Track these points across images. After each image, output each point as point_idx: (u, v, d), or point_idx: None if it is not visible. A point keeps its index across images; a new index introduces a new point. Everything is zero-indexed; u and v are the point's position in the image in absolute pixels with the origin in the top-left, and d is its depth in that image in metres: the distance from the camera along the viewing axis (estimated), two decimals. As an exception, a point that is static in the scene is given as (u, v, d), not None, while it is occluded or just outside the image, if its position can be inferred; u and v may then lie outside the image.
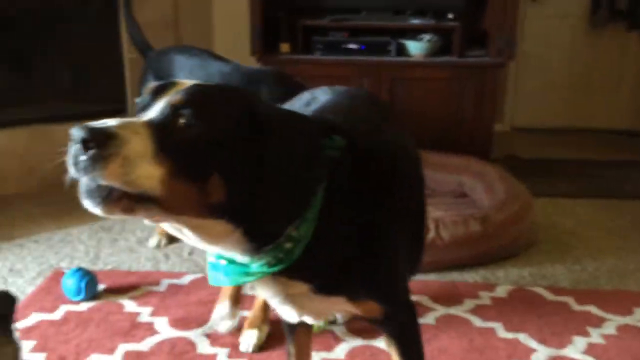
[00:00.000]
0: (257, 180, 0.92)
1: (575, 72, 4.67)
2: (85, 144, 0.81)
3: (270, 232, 0.97)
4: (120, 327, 1.94)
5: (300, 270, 1.02)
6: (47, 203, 3.10)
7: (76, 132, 0.81)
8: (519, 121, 4.79)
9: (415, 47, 3.34)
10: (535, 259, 2.51)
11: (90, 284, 2.10)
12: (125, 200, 0.85)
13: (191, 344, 1.84)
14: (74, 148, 0.82)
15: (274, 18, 3.48)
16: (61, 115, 3.32)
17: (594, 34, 4.55)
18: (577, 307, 2.10)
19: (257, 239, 0.96)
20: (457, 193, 3.08)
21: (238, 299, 1.94)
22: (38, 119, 3.26)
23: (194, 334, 1.89)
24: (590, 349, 1.84)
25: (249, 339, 1.83)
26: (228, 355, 1.79)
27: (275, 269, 0.99)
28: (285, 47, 3.36)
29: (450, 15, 3.38)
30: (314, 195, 0.98)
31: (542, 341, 1.88)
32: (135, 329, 1.93)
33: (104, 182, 0.83)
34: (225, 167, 0.90)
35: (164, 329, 1.92)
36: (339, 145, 1.04)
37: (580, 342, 1.87)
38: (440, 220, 2.39)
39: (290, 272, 1.01)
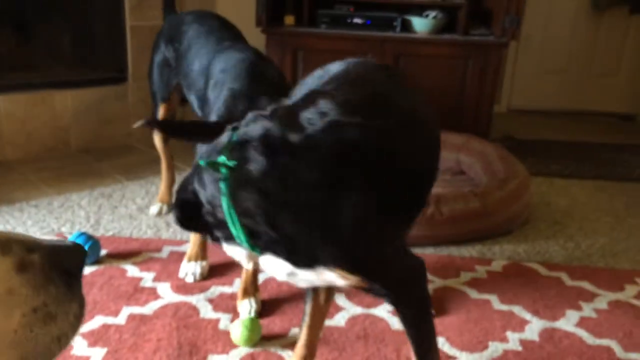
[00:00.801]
0: None
1: (574, 55, 4.68)
2: None
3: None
4: (123, 291, 1.97)
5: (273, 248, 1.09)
6: (45, 168, 3.11)
7: None
8: (516, 102, 4.82)
9: (420, 24, 3.33)
10: (530, 236, 2.56)
11: (93, 249, 2.13)
12: None
13: (194, 309, 1.88)
14: None
15: (279, -11, 3.47)
16: (62, 81, 3.32)
17: (595, 17, 4.56)
18: (570, 282, 2.15)
19: None
20: (455, 170, 3.12)
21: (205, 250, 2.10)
22: (39, 84, 3.25)
23: (196, 299, 1.93)
24: (582, 322, 1.89)
25: (245, 307, 1.87)
26: (231, 320, 1.82)
27: (245, 244, 1.10)
28: (290, 19, 3.35)
29: (456, -7, 3.38)
30: None
31: (536, 313, 1.93)
32: (139, 293, 1.96)
33: None
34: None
35: (167, 294, 1.96)
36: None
37: (573, 315, 1.93)
38: (440, 196, 2.43)
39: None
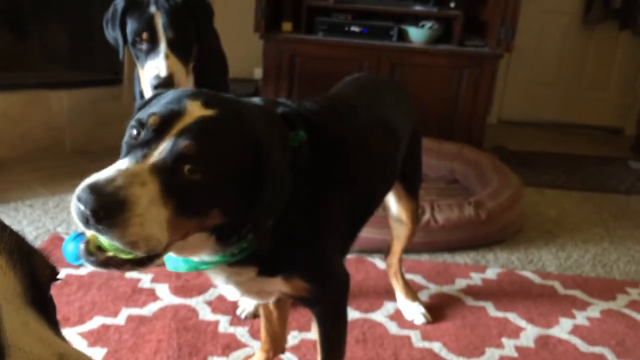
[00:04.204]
0: (251, 204, 0.98)
1: (565, 68, 4.76)
2: (96, 213, 0.82)
3: (239, 231, 1.04)
4: (122, 292, 1.97)
5: (252, 256, 1.09)
6: (39, 169, 3.10)
7: (85, 198, 0.81)
8: (507, 114, 4.88)
9: (416, 34, 3.38)
10: (523, 244, 2.60)
11: (91, 249, 2.12)
12: (128, 265, 0.91)
13: (193, 311, 1.88)
14: (83, 212, 0.83)
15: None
16: (57, 81, 3.30)
17: (585, 31, 4.65)
18: (563, 291, 2.19)
19: (226, 239, 1.03)
20: (449, 179, 3.16)
21: None
22: (34, 84, 3.23)
23: (195, 301, 1.94)
24: (575, 330, 1.93)
25: (245, 307, 1.88)
26: (230, 323, 1.83)
27: (238, 257, 1.07)
28: (287, 25, 3.37)
29: (452, 4, 3.42)
30: None
31: (531, 321, 1.96)
32: (137, 294, 1.96)
33: (120, 244, 0.85)
34: (226, 202, 0.96)
35: (166, 296, 1.96)
36: (300, 139, 1.11)
37: (566, 323, 1.97)
38: (436, 203, 2.46)
39: (244, 259, 1.09)
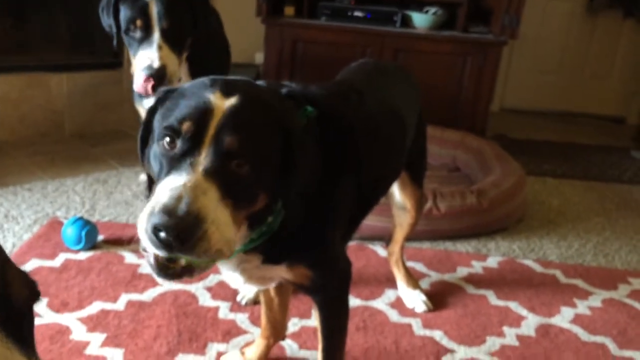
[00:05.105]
0: (285, 182, 0.99)
1: (568, 57, 4.72)
2: (180, 237, 0.83)
3: (269, 213, 1.03)
4: (121, 277, 1.96)
5: (259, 243, 1.08)
6: (39, 152, 3.08)
7: (165, 225, 0.82)
8: (509, 102, 4.85)
9: (420, 20, 3.34)
10: (524, 233, 2.59)
11: (90, 234, 2.11)
12: (199, 270, 0.94)
13: (193, 297, 1.87)
14: (164, 240, 0.84)
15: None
16: (57, 64, 3.27)
17: (590, 20, 4.60)
18: (564, 280, 2.18)
19: (256, 224, 1.03)
20: (451, 167, 3.14)
21: None
22: (34, 67, 3.20)
23: (194, 287, 1.93)
24: (577, 319, 1.92)
25: (245, 294, 1.87)
26: (230, 309, 1.82)
27: (257, 243, 1.06)
28: (290, 10, 3.33)
29: (456, -10, 3.39)
30: None
31: (532, 309, 1.95)
32: (137, 279, 1.95)
33: (207, 257, 0.88)
34: (269, 184, 0.97)
35: (165, 281, 1.95)
36: (309, 115, 1.11)
37: (567, 312, 1.96)
38: (438, 192, 2.45)
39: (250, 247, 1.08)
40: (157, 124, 0.96)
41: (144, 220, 0.86)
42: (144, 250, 0.92)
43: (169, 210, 0.83)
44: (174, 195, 0.85)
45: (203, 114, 0.90)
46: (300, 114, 1.09)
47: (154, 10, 1.83)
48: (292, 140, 0.97)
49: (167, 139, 0.91)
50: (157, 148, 0.94)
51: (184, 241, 0.83)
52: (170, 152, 0.91)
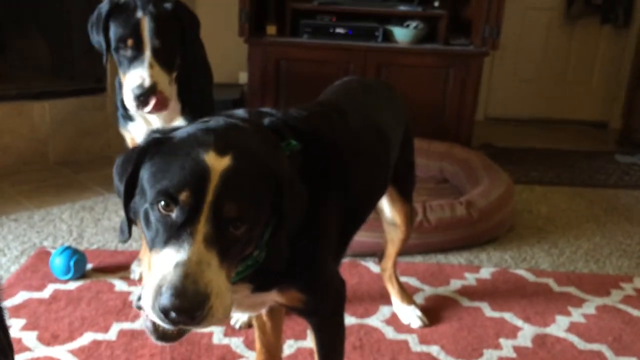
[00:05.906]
0: (275, 228, 1.02)
1: (548, 64, 4.78)
2: (192, 316, 0.85)
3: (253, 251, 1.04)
4: (112, 306, 1.93)
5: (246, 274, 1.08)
6: (23, 181, 3.04)
7: (177, 307, 0.83)
8: (493, 111, 4.89)
9: (402, 34, 3.37)
10: (515, 242, 2.59)
11: (79, 263, 2.08)
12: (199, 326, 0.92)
13: (186, 323, 1.85)
14: (174, 320, 0.85)
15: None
16: (39, 92, 3.24)
17: (568, 28, 4.67)
18: (557, 288, 2.18)
19: (241, 261, 1.03)
20: (438, 178, 3.15)
21: None
22: (15, 95, 3.17)
23: (187, 313, 1.90)
24: (572, 328, 1.92)
25: (239, 317, 1.85)
26: (224, 333, 1.80)
27: (242, 275, 1.06)
28: (272, 29, 3.34)
29: (436, 3, 3.42)
30: None
31: (527, 320, 1.95)
32: (128, 308, 1.92)
33: (215, 325, 0.93)
34: (261, 234, 1.00)
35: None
36: (292, 149, 1.11)
37: (562, 321, 1.96)
38: (428, 204, 2.45)
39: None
40: (148, 184, 0.93)
41: (150, 296, 0.86)
42: (140, 308, 0.91)
43: (178, 292, 0.83)
44: (181, 273, 0.85)
45: (200, 179, 0.88)
46: (284, 147, 1.09)
47: (146, 28, 1.80)
48: (283, 189, 0.98)
49: (162, 203, 0.89)
50: (151, 212, 0.91)
51: (193, 319, 0.85)
52: (167, 219, 0.89)
